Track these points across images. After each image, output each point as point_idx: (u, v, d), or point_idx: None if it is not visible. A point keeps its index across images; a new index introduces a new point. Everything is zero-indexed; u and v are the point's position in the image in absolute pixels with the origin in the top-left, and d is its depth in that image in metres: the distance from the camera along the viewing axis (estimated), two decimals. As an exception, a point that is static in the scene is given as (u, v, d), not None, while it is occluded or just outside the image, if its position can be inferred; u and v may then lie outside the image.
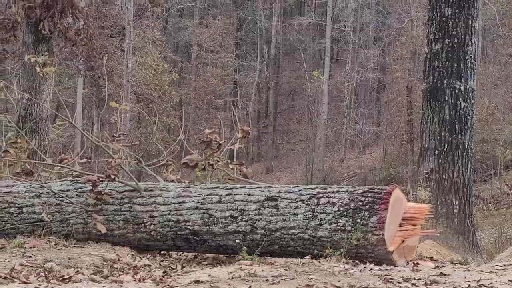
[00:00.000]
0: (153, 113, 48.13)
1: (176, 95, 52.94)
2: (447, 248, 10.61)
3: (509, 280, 5.97)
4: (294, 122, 62.22)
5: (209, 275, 6.41)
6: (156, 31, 52.35)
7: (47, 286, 5.96)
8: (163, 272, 6.81)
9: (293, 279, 5.96)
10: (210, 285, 5.74)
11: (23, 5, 14.58)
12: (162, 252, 8.29)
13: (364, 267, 6.82)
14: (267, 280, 5.93)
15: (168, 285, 5.88)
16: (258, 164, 59.70)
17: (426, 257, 10.21)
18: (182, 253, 8.19)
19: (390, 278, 6.05)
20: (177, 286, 5.83)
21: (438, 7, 11.08)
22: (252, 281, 5.81)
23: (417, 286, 5.81)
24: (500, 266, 6.47)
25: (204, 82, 58.25)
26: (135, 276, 6.74)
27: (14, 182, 9.24)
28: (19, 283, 6.11)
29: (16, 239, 8.13)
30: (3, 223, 8.54)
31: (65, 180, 8.84)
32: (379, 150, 56.38)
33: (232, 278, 6.20)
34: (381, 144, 56.58)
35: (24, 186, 8.85)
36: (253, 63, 62.15)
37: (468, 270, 6.46)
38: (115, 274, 6.81)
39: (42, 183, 8.67)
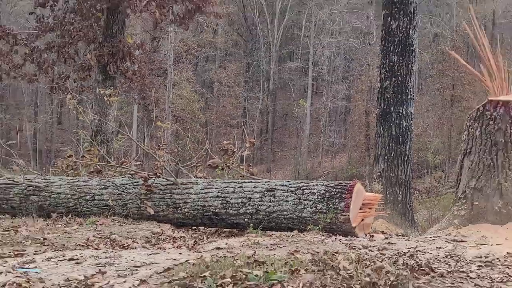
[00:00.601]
0: (186, 129, 48.30)
1: (203, 117, 53.45)
2: (393, 225, 10.68)
3: (437, 247, 5.97)
4: (286, 136, 62.39)
5: (226, 243, 6.47)
6: (189, 72, 52.65)
7: (112, 251, 6.00)
8: (194, 242, 6.89)
9: (285, 246, 6.01)
10: (227, 250, 5.78)
11: (96, 54, 14.60)
12: (193, 227, 8.33)
13: (335, 238, 6.92)
14: (267, 247, 5.96)
15: (197, 251, 5.93)
16: (260, 166, 59.66)
17: (379, 231, 10.26)
18: (207, 228, 8.27)
19: (353, 246, 6.09)
20: (203, 251, 5.87)
21: (387, 55, 11.12)
22: (257, 248, 5.86)
23: (372, 251, 5.83)
24: (430, 237, 6.49)
25: (223, 108, 59.10)
26: (174, 244, 6.81)
27: (89, 178, 9.31)
28: (93, 249, 6.15)
29: (90, 219, 8.19)
30: (81, 207, 8.63)
31: (124, 177, 8.95)
32: (345, 156, 56.78)
33: (242, 245, 6.24)
34: (347, 151, 57.02)
35: (96, 181, 8.94)
36: (257, 94, 62.79)
37: (408, 240, 6.50)
38: (160, 243, 6.87)
39: (108, 179, 8.79)
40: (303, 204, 7.80)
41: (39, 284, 4.71)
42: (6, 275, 5.00)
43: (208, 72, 59.64)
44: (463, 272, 5.23)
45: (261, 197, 7.98)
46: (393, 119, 10.93)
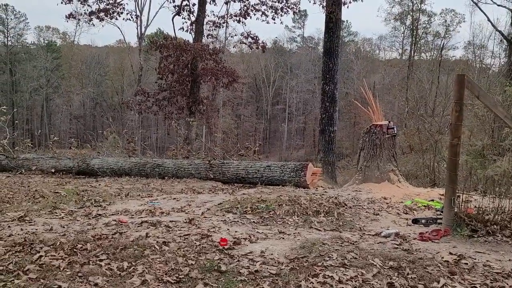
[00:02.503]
0: (227, 138, 48.82)
1: (235, 131, 53.81)
2: (327, 183, 10.53)
3: (348, 194, 5.97)
4: (275, 141, 62.16)
5: (247, 191, 6.43)
6: (228, 109, 52.67)
7: (193, 195, 6.01)
8: (232, 190, 6.81)
9: (275, 193, 5.97)
10: (248, 195, 5.76)
11: (185, 101, 14.81)
12: (231, 184, 8.23)
13: (299, 190, 6.83)
14: (267, 193, 5.95)
15: (233, 195, 5.91)
16: (263, 154, 59.69)
17: (321, 186, 10.25)
18: (238, 185, 8.11)
19: (308, 193, 6.05)
20: (237, 195, 5.87)
21: (323, 102, 11.15)
22: (262, 194, 5.83)
23: (316, 195, 5.81)
24: (344, 189, 6.49)
25: (245, 127, 59.44)
26: (223, 191, 6.76)
27: (182, 160, 9.27)
28: (184, 194, 6.14)
29: (182, 179, 8.16)
30: (179, 174, 8.54)
31: (199, 159, 8.85)
32: (303, 150, 56.34)
33: (255, 192, 6.22)
34: (304, 148, 56.69)
35: (186, 162, 8.89)
36: (261, 120, 62.55)
37: (334, 190, 6.46)
38: (216, 191, 6.81)
39: (191, 161, 8.69)
40: (284, 173, 7.77)
41: (159, 210, 4.74)
42: (143, 205, 5.03)
43: (238, 110, 59.64)
44: (360, 206, 5.25)
45: (264, 169, 7.96)
46: (326, 132, 10.95)
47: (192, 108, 14.54)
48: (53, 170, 9.43)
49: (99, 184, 6.72)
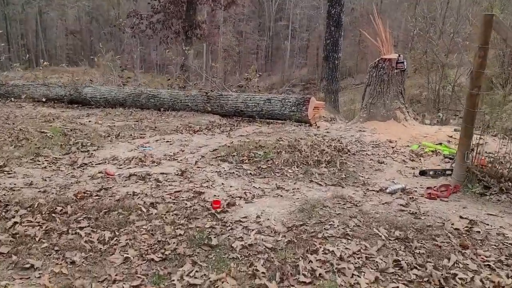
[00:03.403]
0: (229, 62, 47.38)
1: (237, 49, 52.12)
2: (329, 112, 10.19)
3: (351, 135, 5.61)
4: (278, 59, 60.46)
5: (246, 131, 6.06)
6: (230, 26, 50.45)
7: (188, 135, 5.64)
8: (229, 128, 6.41)
9: (275, 134, 5.61)
10: (246, 137, 5.39)
11: (181, 25, 13.84)
12: (230, 117, 7.84)
13: (300, 128, 6.44)
14: (266, 134, 5.60)
15: (231, 137, 5.53)
16: (266, 72, 58.59)
17: (323, 116, 9.89)
18: (236, 119, 7.72)
19: (309, 134, 5.69)
20: (234, 137, 5.50)
21: (328, 26, 10.42)
22: (260, 136, 5.47)
23: (318, 137, 5.45)
24: (348, 128, 6.09)
25: (247, 45, 57.49)
26: (220, 129, 6.39)
27: (178, 91, 8.80)
28: (179, 134, 5.78)
29: (179, 112, 7.78)
30: (175, 105, 8.12)
31: (197, 91, 8.38)
32: (306, 69, 54.98)
33: (254, 132, 5.87)
34: (307, 67, 55.23)
35: (182, 92, 8.41)
36: (264, 38, 60.43)
37: (337, 130, 6.07)
38: (213, 129, 6.44)
39: (190, 93, 8.21)
40: (284, 107, 7.34)
41: (150, 158, 4.42)
42: (133, 151, 4.70)
43: (239, 26, 57.22)
44: (364, 151, 4.90)
45: (264, 103, 7.51)
46: (330, 59, 10.32)
47: (188, 32, 13.62)
48: (44, 99, 9.01)
49: (89, 121, 6.32)
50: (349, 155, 4.66)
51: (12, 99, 9.03)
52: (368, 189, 3.73)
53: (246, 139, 5.15)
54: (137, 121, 6.53)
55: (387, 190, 3.68)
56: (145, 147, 4.81)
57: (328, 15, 10.25)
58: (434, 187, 3.75)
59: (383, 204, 3.36)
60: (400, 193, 3.63)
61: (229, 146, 4.78)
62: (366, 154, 4.78)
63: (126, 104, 8.65)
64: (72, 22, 58.71)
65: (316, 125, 7.39)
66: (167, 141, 5.12)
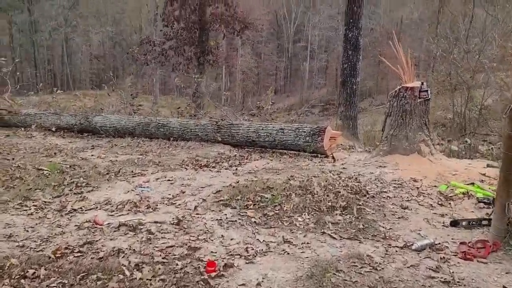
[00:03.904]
0: (246, 84, 47.28)
1: (256, 71, 52.19)
2: (347, 139, 9.71)
3: (370, 172, 5.08)
4: (296, 79, 60.20)
5: (255, 166, 5.60)
6: (248, 48, 50.61)
7: (192, 172, 5.20)
8: (238, 162, 5.96)
9: (286, 171, 5.14)
10: (254, 175, 4.91)
11: (193, 52, 13.66)
12: (241, 147, 7.44)
13: (314, 162, 5.94)
14: (276, 171, 5.13)
15: (237, 174, 5.06)
16: (284, 94, 58.41)
17: (342, 144, 9.40)
18: (249, 148, 7.30)
19: (324, 170, 5.19)
20: (241, 174, 5.05)
21: (346, 50, 10.00)
22: (270, 173, 4.99)
23: (333, 175, 4.95)
24: (367, 163, 5.56)
25: (266, 66, 57.53)
26: (228, 162, 5.95)
27: (188, 120, 8.49)
28: (184, 170, 5.35)
29: (188, 143, 7.41)
30: (185, 134, 7.81)
31: (207, 121, 8.00)
32: (325, 90, 54.42)
33: (264, 168, 5.41)
34: (326, 88, 54.68)
35: (192, 121, 8.12)
36: (282, 59, 60.51)
37: (354, 165, 5.55)
38: (221, 162, 6.01)
39: (200, 122, 7.88)
40: (298, 137, 6.89)
41: (146, 202, 4.00)
42: (130, 193, 4.29)
43: (258, 48, 57.41)
44: (385, 192, 4.37)
45: (276, 132, 7.08)
46: (348, 84, 9.85)
47: (200, 59, 13.39)
48: (53, 129, 8.82)
49: (92, 155, 5.99)
50: (368, 198, 4.14)
51: (23, 129, 8.87)
52: (390, 244, 3.21)
53: (254, 178, 4.69)
54: (141, 155, 6.17)
55: (413, 247, 3.14)
56: (144, 187, 4.40)
57: (345, 38, 9.82)
58: (469, 242, 3.19)
59: (408, 267, 2.83)
60: (428, 251, 3.10)
61: (234, 187, 4.33)
62: (388, 196, 4.25)
63: (135, 133, 8.36)
64: (96, 47, 60.11)
65: (332, 156, 6.91)
66: (168, 180, 4.70)
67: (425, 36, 37.81)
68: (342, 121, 9.86)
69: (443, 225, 3.62)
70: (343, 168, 5.34)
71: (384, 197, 4.22)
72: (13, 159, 5.48)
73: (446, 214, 3.85)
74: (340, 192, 4.16)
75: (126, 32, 61.63)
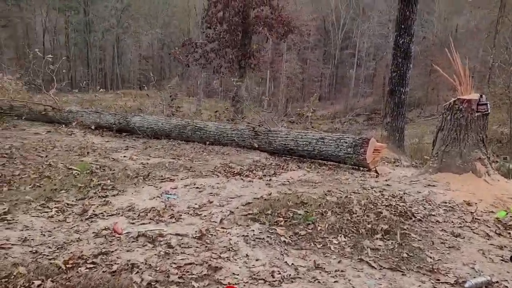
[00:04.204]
0: (291, 89, 46.84)
1: (301, 76, 51.65)
2: (393, 152, 9.21)
3: (417, 191, 4.61)
4: (342, 87, 59.03)
5: (290, 177, 5.26)
6: (294, 54, 50.03)
7: (224, 180, 4.93)
8: (273, 172, 5.64)
9: (324, 185, 4.76)
10: (288, 187, 4.56)
11: (235, 55, 13.48)
12: (279, 155, 7.12)
13: (355, 177, 5.51)
14: (313, 185, 4.76)
15: (270, 185, 4.72)
16: (329, 101, 57.54)
17: (387, 157, 8.88)
18: (286, 157, 6.97)
19: (365, 186, 4.77)
20: (274, 186, 4.72)
21: (395, 58, 9.49)
22: (306, 185, 4.63)
23: (376, 192, 4.53)
24: (414, 181, 5.07)
25: (311, 72, 56.92)
26: (263, 171, 5.65)
27: (226, 124, 8.27)
28: (215, 177, 5.10)
29: (224, 148, 7.20)
30: (221, 139, 7.63)
31: (245, 126, 7.75)
32: (371, 98, 52.97)
33: (299, 180, 5.07)
34: (372, 96, 53.27)
35: (229, 126, 7.88)
36: (328, 65, 59.62)
37: (400, 182, 5.09)
38: (255, 170, 5.73)
39: (237, 127, 7.63)
40: (339, 148, 6.50)
41: (170, 211, 3.76)
42: (155, 199, 4.07)
43: (304, 54, 56.82)
44: (433, 216, 3.91)
45: (316, 142, 6.71)
46: (396, 94, 9.31)
47: (241, 62, 13.17)
48: (93, 127, 8.87)
49: (124, 156, 5.86)
50: (414, 221, 3.70)
51: (63, 126, 9.00)
52: (438, 279, 2.78)
53: (288, 190, 4.36)
54: (173, 158, 5.98)
55: (466, 285, 2.70)
56: (170, 194, 4.18)
57: (395, 45, 9.30)
58: (534, 284, 2.72)
59: (460, 312, 2.41)
60: (484, 291, 2.65)
61: (265, 199, 4.02)
62: (437, 221, 3.79)
63: (172, 136, 8.25)
64: (145, 48, 61.86)
65: (375, 170, 6.46)
66: (197, 187, 4.46)
67: (481, 46, 36.00)
68: (388, 132, 9.33)
69: (501, 259, 3.14)
70: (387, 185, 4.89)
71: (432, 222, 3.76)
72: (46, 156, 5.44)
73: (505, 246, 3.35)
74: (382, 213, 3.75)
75: (175, 34, 62.99)
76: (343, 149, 6.50)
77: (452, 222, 3.80)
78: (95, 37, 60.67)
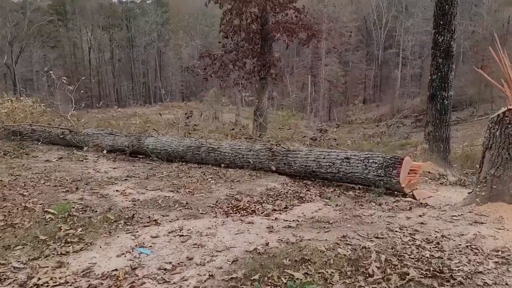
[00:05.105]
0: (332, 92, 45.29)
1: (343, 79, 50.04)
2: (437, 165, 8.17)
3: (460, 234, 3.60)
4: (386, 88, 56.70)
5: (302, 213, 4.36)
6: (334, 57, 48.68)
7: (221, 218, 4.12)
8: (285, 206, 4.77)
9: (339, 226, 3.83)
10: (292, 233, 3.67)
11: (253, 65, 12.68)
12: (300, 178, 6.25)
13: (388, 198, 4.50)
14: (325, 227, 3.84)
15: (273, 230, 3.83)
16: (374, 103, 55.44)
17: (429, 172, 7.78)
18: (308, 180, 6.09)
19: (391, 227, 3.80)
20: (277, 229, 3.83)
21: (435, 58, 8.42)
22: (317, 229, 3.71)
23: (405, 235, 3.58)
24: (456, 216, 4.04)
25: (353, 74, 55.18)
26: (272, 205, 4.79)
27: (240, 144, 7.53)
28: (210, 218, 4.30)
29: (237, 172, 6.44)
30: (236, 161, 6.93)
31: (263, 145, 6.92)
32: (419, 98, 50.32)
33: (312, 218, 4.17)
34: (420, 96, 50.57)
35: (244, 146, 7.13)
36: (371, 66, 57.48)
37: (438, 218, 4.06)
38: (266, 202, 4.90)
39: (253, 147, 6.87)
40: (368, 169, 5.54)
41: (132, 277, 3.00)
42: (124, 256, 3.33)
43: (345, 56, 55.24)
44: (480, 273, 2.91)
45: (341, 163, 5.79)
46: (438, 99, 8.20)
47: (261, 72, 12.34)
48: (105, 151, 8.40)
49: (116, 190, 5.21)
50: (452, 285, 2.73)
51: (75, 150, 8.61)
52: None
53: (292, 236, 3.48)
54: (172, 191, 5.25)
55: None
56: (144, 248, 3.43)
57: (434, 44, 8.15)
58: None
59: None
60: None
61: (259, 253, 3.17)
62: (485, 283, 2.79)
63: (186, 157, 7.60)
64: (186, 61, 62.61)
65: (412, 195, 5.45)
66: (182, 235, 3.67)
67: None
68: (430, 143, 8.19)
69: None
70: (421, 223, 3.89)
71: (479, 285, 2.77)
72: (29, 195, 4.89)
73: None
74: (408, 274, 2.81)
75: (214, 44, 63.40)
76: (372, 171, 5.54)
77: (506, 284, 2.79)
78: (138, 52, 62.28)
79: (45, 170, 6.59)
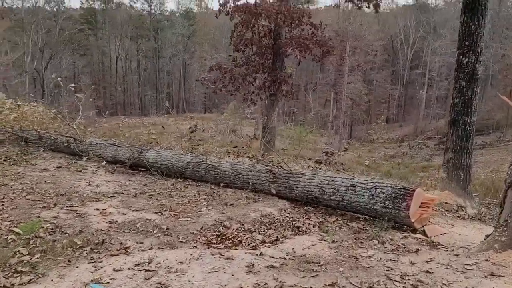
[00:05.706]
0: (351, 111, 44.50)
1: (366, 98, 49.23)
2: (455, 196, 7.51)
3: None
4: (411, 108, 55.53)
5: (292, 249, 3.82)
6: (358, 75, 47.91)
7: (200, 250, 3.63)
8: (276, 238, 4.24)
9: (330, 270, 3.30)
10: (274, 272, 3.17)
11: (267, 78, 12.22)
12: (301, 204, 5.71)
13: (394, 234, 3.92)
14: (315, 269, 3.31)
15: (251, 266, 3.34)
16: (397, 123, 54.28)
17: (447, 203, 7.14)
18: (309, 207, 5.53)
19: (391, 276, 3.23)
20: (259, 269, 3.33)
21: (458, 81, 7.82)
22: (307, 271, 3.19)
23: (408, 280, 3.01)
24: (469, 266, 3.44)
25: (377, 93, 54.25)
26: (262, 236, 4.28)
27: (240, 165, 7.06)
28: (187, 248, 3.82)
29: (236, 193, 5.96)
30: (236, 181, 6.45)
31: (264, 166, 6.44)
32: (444, 119, 49.01)
33: (303, 256, 3.63)
34: (445, 117, 49.20)
35: (246, 165, 6.67)
36: (396, 86, 56.51)
37: (446, 267, 3.46)
38: (257, 230, 4.41)
39: (251, 166, 6.40)
40: (375, 199, 4.98)
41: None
42: (74, 294, 2.87)
43: (370, 75, 54.40)
44: None
45: (346, 190, 5.24)
46: (460, 124, 7.56)
47: (271, 88, 11.86)
48: (104, 163, 8.07)
49: (97, 209, 4.79)
50: None
51: (74, 160, 8.33)
52: None
53: (272, 281, 2.97)
54: (157, 212, 4.79)
55: None
56: (100, 285, 2.97)
57: (457, 66, 7.54)
58: None
59: None
60: None
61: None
62: None
63: (185, 174, 7.18)
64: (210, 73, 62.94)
65: (423, 231, 4.85)
66: (148, 270, 3.20)
67: None
68: (449, 171, 7.53)
69: None
70: (427, 271, 3.31)
71: None
72: (3, 209, 4.52)
73: None
74: None
75: (239, 58, 63.66)
76: (380, 201, 4.97)
77: None
78: (163, 62, 62.99)
79: (36, 180, 6.27)
